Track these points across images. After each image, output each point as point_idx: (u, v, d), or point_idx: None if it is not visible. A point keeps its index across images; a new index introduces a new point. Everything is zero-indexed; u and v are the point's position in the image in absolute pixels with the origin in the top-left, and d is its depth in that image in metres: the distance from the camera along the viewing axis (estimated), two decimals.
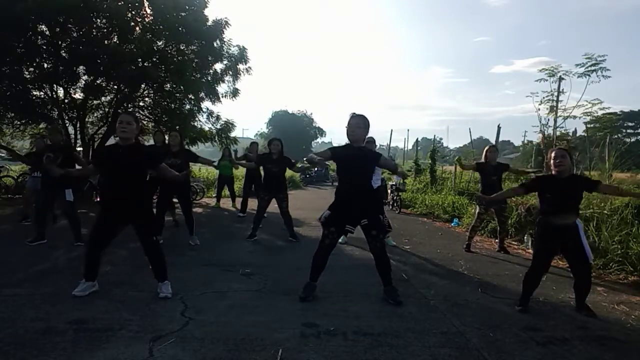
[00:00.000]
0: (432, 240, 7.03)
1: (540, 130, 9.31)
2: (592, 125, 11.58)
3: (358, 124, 3.68)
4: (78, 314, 3.16)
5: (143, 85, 10.92)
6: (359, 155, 3.69)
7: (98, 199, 9.54)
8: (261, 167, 6.99)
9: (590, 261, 3.63)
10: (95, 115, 12.50)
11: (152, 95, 11.71)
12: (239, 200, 9.86)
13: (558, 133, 9.15)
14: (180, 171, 5.73)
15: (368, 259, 3.89)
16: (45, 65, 10.04)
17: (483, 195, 5.14)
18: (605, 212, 5.90)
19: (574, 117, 8.98)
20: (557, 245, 3.67)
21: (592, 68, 8.40)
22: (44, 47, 9.71)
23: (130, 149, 3.57)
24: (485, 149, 6.39)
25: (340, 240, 5.46)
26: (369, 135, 4.02)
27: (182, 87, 10.72)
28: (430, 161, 14.89)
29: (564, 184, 3.61)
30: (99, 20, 9.76)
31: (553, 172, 3.67)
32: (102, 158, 3.73)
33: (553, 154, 3.67)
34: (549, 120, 9.14)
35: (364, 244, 3.85)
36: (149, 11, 10.15)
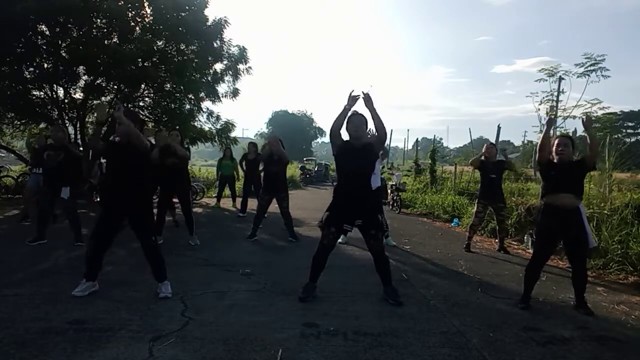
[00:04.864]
0: (432, 240, 7.03)
1: (540, 130, 9.32)
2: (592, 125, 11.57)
3: (361, 121, 3.67)
4: (78, 314, 3.16)
5: (143, 85, 10.92)
6: (360, 150, 3.66)
7: (98, 199, 9.54)
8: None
9: (591, 246, 3.67)
10: (95, 115, 12.50)
11: (152, 95, 11.71)
12: (239, 200, 9.86)
13: (558, 133, 9.17)
14: (179, 172, 5.78)
15: (368, 259, 3.89)
16: (45, 65, 10.04)
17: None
18: (605, 212, 5.90)
19: (574, 117, 9.00)
20: (559, 232, 3.68)
21: (592, 68, 8.42)
22: (44, 47, 9.70)
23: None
24: (484, 146, 6.45)
25: (340, 240, 5.45)
26: None
27: (182, 87, 10.72)
28: (430, 161, 14.91)
29: (564, 167, 3.71)
30: (99, 20, 9.75)
31: (555, 160, 3.76)
32: (109, 147, 3.79)
33: (557, 142, 3.78)
34: None
35: (364, 243, 3.84)
36: (149, 11, 10.15)
